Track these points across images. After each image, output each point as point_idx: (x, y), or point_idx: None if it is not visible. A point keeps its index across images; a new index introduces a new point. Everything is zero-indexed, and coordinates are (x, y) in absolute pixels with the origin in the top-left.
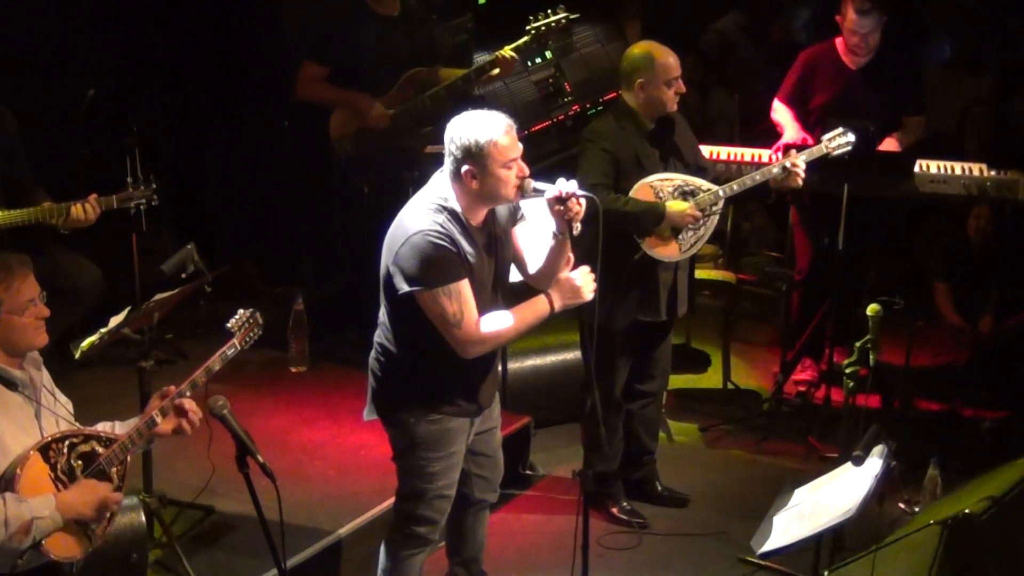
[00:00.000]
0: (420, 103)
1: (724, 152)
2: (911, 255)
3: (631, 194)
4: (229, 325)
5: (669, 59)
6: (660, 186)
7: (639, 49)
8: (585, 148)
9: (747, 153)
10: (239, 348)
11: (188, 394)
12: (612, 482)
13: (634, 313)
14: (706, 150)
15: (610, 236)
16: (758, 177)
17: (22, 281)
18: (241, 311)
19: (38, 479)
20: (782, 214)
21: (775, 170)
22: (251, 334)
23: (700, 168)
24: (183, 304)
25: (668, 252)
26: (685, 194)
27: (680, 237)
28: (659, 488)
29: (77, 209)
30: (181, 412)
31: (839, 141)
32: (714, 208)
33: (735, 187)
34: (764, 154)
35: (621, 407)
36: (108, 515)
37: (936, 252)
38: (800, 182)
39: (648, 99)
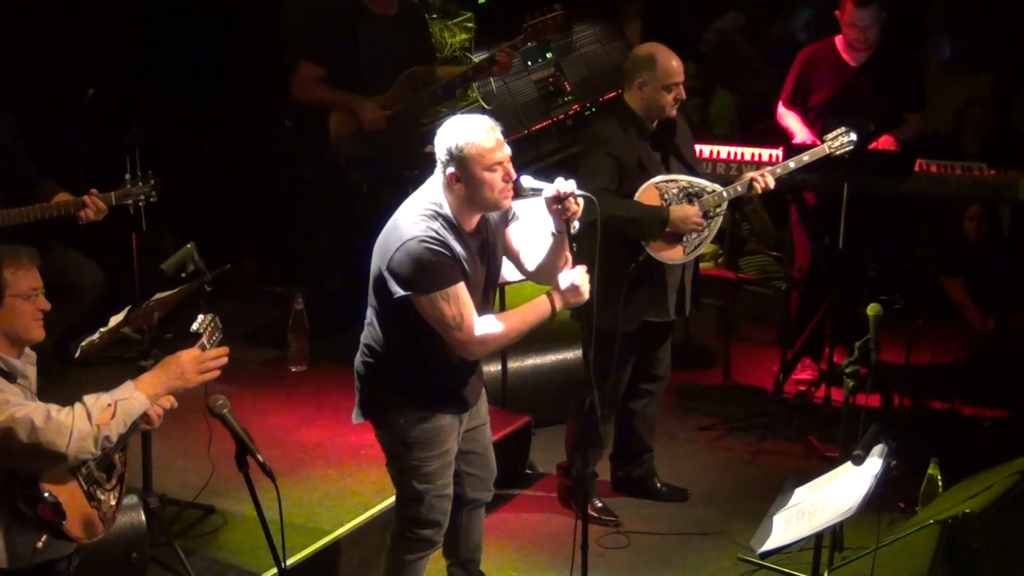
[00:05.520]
0: (418, 102)
1: (724, 152)
2: (911, 255)
3: (637, 196)
4: (195, 327)
5: (672, 63)
6: (665, 188)
7: (643, 50)
8: (588, 151)
9: (747, 152)
10: (208, 347)
11: None
12: (588, 480)
13: (643, 314)
14: (706, 150)
15: (614, 240)
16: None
17: (28, 270)
18: (202, 316)
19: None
20: (782, 214)
21: (739, 187)
22: (216, 335)
23: (696, 171)
24: (183, 304)
25: (673, 255)
26: (690, 196)
27: (684, 239)
28: (658, 484)
29: (86, 212)
30: None
31: (841, 140)
32: (718, 210)
33: (739, 188)
34: (764, 153)
35: (616, 407)
36: (115, 497)
37: (937, 252)
38: (758, 190)
39: (647, 100)
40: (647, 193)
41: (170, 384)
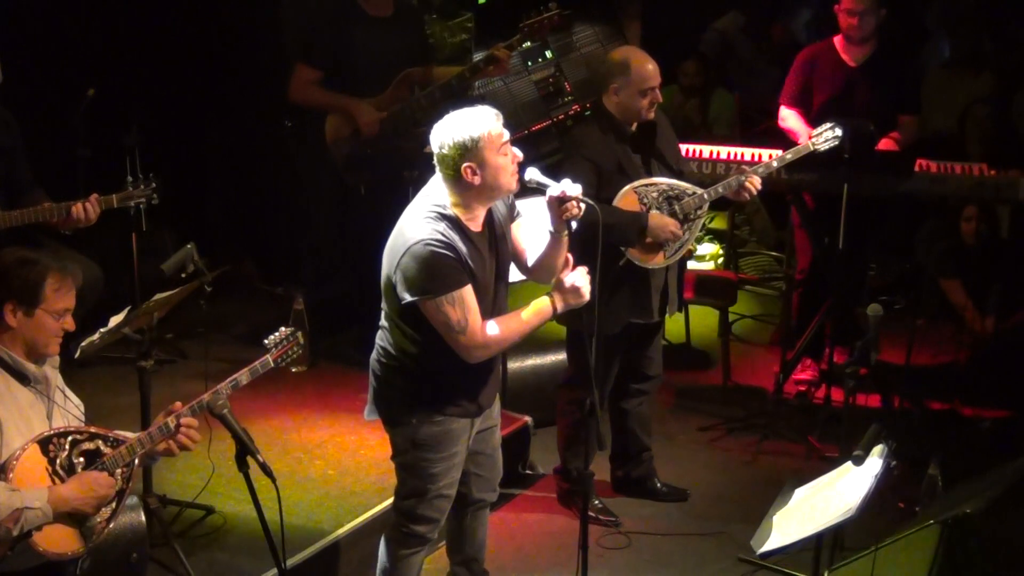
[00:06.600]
0: (415, 103)
1: (724, 152)
2: (911, 255)
3: (616, 202)
4: (267, 341)
5: (647, 67)
6: (645, 192)
7: (618, 55)
8: (567, 156)
9: (747, 153)
10: (272, 365)
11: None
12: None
13: (627, 316)
14: (706, 150)
15: (594, 244)
16: (734, 184)
17: (68, 291)
18: (283, 328)
19: (33, 471)
20: (782, 214)
21: (732, 183)
22: (289, 352)
23: (679, 171)
24: (183, 304)
25: (654, 261)
26: (670, 199)
27: (665, 244)
28: (658, 484)
29: (77, 208)
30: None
31: (826, 136)
32: (699, 212)
33: (720, 189)
34: (764, 153)
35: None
36: (107, 513)
37: (937, 252)
38: (747, 197)
39: (622, 105)
40: (626, 198)
41: (79, 507)
